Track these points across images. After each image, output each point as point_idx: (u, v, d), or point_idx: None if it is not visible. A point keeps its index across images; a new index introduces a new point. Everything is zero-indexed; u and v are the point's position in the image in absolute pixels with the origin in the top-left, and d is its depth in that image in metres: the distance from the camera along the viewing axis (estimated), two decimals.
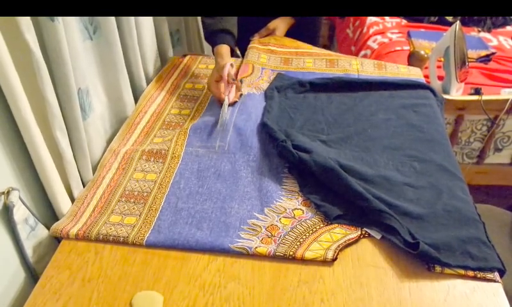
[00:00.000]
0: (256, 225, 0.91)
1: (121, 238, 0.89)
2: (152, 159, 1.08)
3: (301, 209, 0.94)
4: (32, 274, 0.88)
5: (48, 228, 0.92)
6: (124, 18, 1.22)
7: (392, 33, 2.57)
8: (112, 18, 1.13)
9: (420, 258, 0.82)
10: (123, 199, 0.98)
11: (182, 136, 1.13)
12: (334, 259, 0.83)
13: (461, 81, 1.94)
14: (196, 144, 1.12)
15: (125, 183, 1.02)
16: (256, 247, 0.86)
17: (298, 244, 0.86)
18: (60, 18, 0.88)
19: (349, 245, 0.86)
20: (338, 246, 0.85)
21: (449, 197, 0.93)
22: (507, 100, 1.89)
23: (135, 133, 1.19)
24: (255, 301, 0.78)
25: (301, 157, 1.00)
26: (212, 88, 1.25)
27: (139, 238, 0.88)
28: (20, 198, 0.82)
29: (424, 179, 0.99)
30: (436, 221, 0.89)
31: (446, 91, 1.98)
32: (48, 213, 0.96)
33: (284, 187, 1.00)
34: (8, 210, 0.80)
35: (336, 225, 0.90)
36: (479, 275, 0.81)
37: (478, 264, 0.81)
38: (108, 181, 1.03)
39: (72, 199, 0.99)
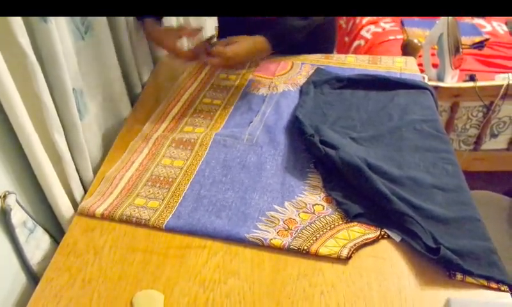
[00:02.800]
0: (275, 217, 0.91)
1: (143, 221, 0.92)
2: (181, 146, 1.11)
3: (321, 205, 0.94)
4: (33, 277, 0.88)
5: (46, 230, 0.92)
6: (116, 17, 1.21)
7: (385, 22, 2.57)
8: (104, 17, 1.12)
9: (440, 263, 0.80)
10: (149, 183, 1.02)
11: (213, 130, 1.17)
12: (348, 258, 0.82)
13: (456, 68, 1.94)
14: (224, 134, 1.14)
15: (153, 168, 1.06)
16: (271, 239, 0.86)
17: (314, 238, 0.86)
18: (53, 18, 0.87)
19: (366, 245, 0.85)
20: (354, 245, 0.84)
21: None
22: (502, 85, 1.90)
23: (166, 120, 1.22)
24: (255, 296, 0.78)
25: (327, 152, 0.99)
26: (163, 38, 1.22)
27: (160, 221, 0.91)
28: (17, 201, 0.82)
29: (455, 182, 0.95)
30: (464, 227, 0.85)
31: (441, 79, 1.98)
32: (47, 215, 0.96)
33: (308, 181, 1.00)
34: (5, 213, 0.80)
35: (355, 223, 0.89)
36: (502, 288, 0.76)
37: (504, 277, 0.76)
38: (137, 165, 1.07)
39: (72, 201, 0.99)
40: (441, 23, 1.88)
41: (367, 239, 0.85)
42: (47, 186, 0.90)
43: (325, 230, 0.88)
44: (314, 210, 0.92)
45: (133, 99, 1.35)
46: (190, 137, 1.14)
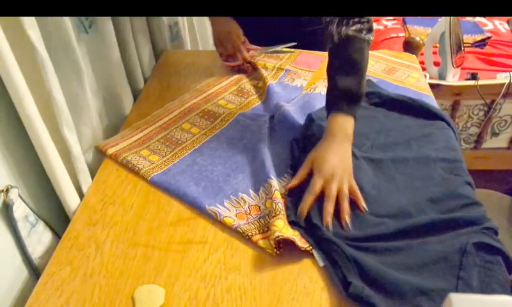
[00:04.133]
0: (243, 200, 0.93)
1: (136, 168, 1.01)
2: (206, 117, 1.18)
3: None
4: (35, 271, 0.89)
5: (48, 224, 0.92)
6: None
7: (387, 20, 2.57)
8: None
9: (353, 299, 0.73)
10: (161, 140, 1.10)
11: (241, 110, 1.21)
12: (277, 248, 0.81)
13: (457, 66, 1.94)
14: (247, 115, 1.19)
15: (172, 129, 1.14)
16: (225, 217, 0.88)
17: (265, 229, 0.86)
18: None
19: (293, 244, 0.82)
20: (282, 235, 0.81)
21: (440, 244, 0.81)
22: (503, 84, 1.90)
23: (207, 92, 1.29)
24: (256, 292, 0.78)
25: (301, 160, 0.97)
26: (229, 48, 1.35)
27: (148, 174, 0.99)
28: (19, 195, 0.83)
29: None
30: (413, 262, 0.78)
31: (442, 77, 1.98)
32: (49, 209, 0.96)
33: (286, 178, 0.99)
34: (7, 207, 0.80)
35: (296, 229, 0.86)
36: None
37: None
38: (162, 123, 1.16)
39: (80, 194, 0.99)
40: (443, 21, 1.88)
41: (294, 242, 0.81)
42: (55, 179, 0.89)
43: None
44: (273, 196, 0.89)
45: (135, 94, 1.35)
46: (218, 110, 1.20)
